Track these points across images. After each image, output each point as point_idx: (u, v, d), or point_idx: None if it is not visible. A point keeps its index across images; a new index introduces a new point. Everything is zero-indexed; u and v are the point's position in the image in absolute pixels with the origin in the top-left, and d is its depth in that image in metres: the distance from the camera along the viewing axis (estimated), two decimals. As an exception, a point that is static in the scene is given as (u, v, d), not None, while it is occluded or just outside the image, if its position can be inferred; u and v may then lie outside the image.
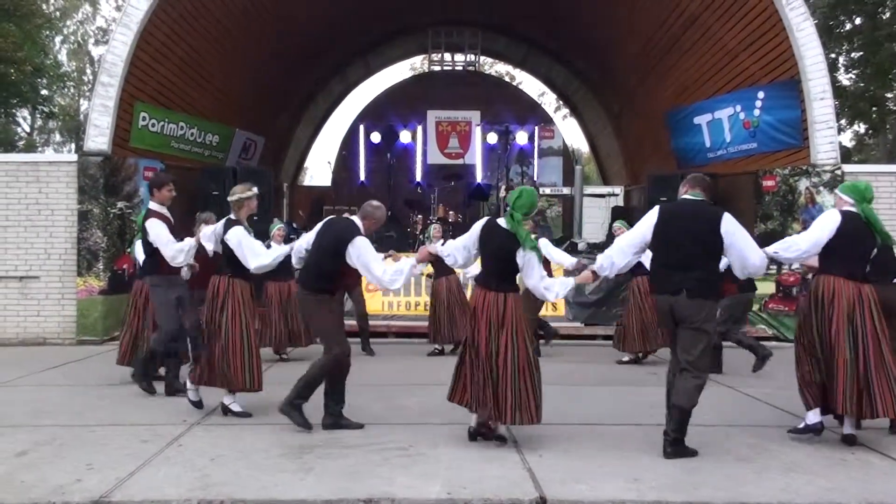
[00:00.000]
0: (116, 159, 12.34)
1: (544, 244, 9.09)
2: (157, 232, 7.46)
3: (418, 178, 19.85)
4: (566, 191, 18.91)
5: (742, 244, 5.55)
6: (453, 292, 10.67)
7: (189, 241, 7.30)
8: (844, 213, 5.91)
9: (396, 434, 6.01)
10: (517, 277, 5.87)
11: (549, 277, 5.99)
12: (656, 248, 5.73)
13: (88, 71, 38.79)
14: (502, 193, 17.20)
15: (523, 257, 5.69)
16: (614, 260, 5.80)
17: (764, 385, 8.33)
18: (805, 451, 5.68)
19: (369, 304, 12.20)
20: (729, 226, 5.53)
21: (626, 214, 15.42)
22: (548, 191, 19.20)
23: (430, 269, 10.34)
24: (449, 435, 6.00)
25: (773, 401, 7.45)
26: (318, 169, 41.97)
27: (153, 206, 7.73)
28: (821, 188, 12.06)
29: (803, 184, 12.27)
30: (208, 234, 7.04)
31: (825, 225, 5.90)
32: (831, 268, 5.88)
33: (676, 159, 15.86)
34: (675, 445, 5.50)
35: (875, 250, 5.98)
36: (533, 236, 5.90)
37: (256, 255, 6.55)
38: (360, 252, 6.08)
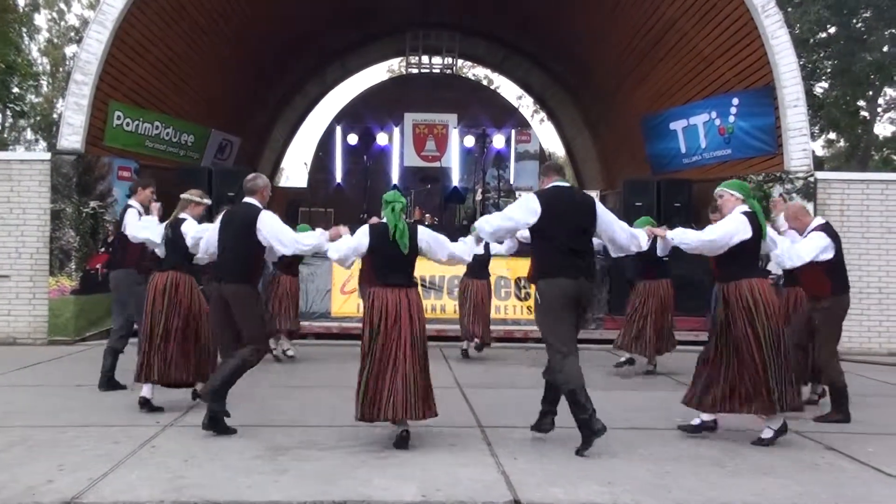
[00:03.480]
0: (90, 158, 12.21)
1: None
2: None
3: (395, 180, 19.81)
4: (542, 195, 18.93)
5: (614, 223, 5.98)
6: (480, 294, 10.55)
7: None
8: (749, 216, 6.00)
9: (373, 436, 5.99)
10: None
11: (453, 244, 6.18)
12: (547, 236, 5.82)
13: (61, 68, 38.39)
14: (478, 196, 17.24)
15: (425, 242, 6.00)
16: (492, 227, 5.97)
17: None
18: (778, 455, 5.73)
19: (344, 307, 12.19)
20: (601, 208, 5.94)
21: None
22: (524, 194, 19.23)
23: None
24: (425, 437, 5.99)
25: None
26: (295, 170, 41.93)
27: (132, 203, 8.05)
28: (794, 195, 12.16)
29: (777, 190, 12.36)
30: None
31: (736, 231, 5.94)
32: (752, 271, 6.02)
33: (651, 165, 15.96)
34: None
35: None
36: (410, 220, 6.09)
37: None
38: (269, 224, 6.26)
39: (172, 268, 7.08)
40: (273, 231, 6.25)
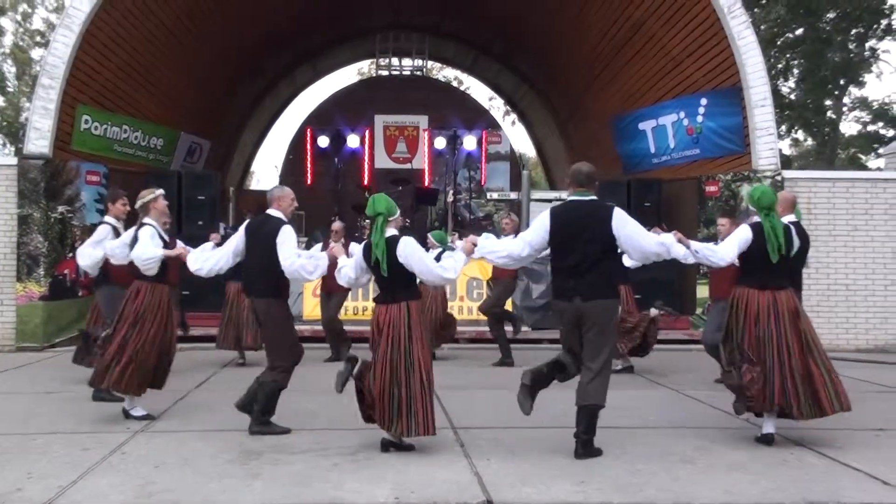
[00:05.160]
0: (58, 163, 12.11)
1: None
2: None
3: (366, 182, 19.76)
4: (513, 196, 18.99)
5: (639, 235, 5.64)
6: (435, 301, 10.46)
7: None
8: (753, 227, 6.09)
9: (346, 439, 5.98)
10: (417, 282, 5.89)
11: (438, 261, 5.92)
12: (554, 255, 5.76)
13: (27, 71, 37.90)
14: (450, 198, 17.24)
15: (404, 258, 5.68)
16: (502, 247, 5.85)
17: (707, 388, 8.46)
18: (748, 452, 5.79)
19: (316, 310, 12.12)
20: (620, 219, 5.59)
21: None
22: (495, 195, 19.27)
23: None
24: (397, 439, 5.99)
25: (716, 403, 7.55)
26: (265, 173, 41.57)
27: (108, 219, 7.89)
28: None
29: (745, 189, 12.47)
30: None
31: (736, 242, 6.05)
32: (744, 279, 6.11)
33: (622, 165, 16.05)
34: (588, 446, 5.60)
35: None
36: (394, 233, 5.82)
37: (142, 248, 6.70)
38: (284, 239, 6.17)
39: (140, 279, 6.85)
40: (283, 247, 6.15)
